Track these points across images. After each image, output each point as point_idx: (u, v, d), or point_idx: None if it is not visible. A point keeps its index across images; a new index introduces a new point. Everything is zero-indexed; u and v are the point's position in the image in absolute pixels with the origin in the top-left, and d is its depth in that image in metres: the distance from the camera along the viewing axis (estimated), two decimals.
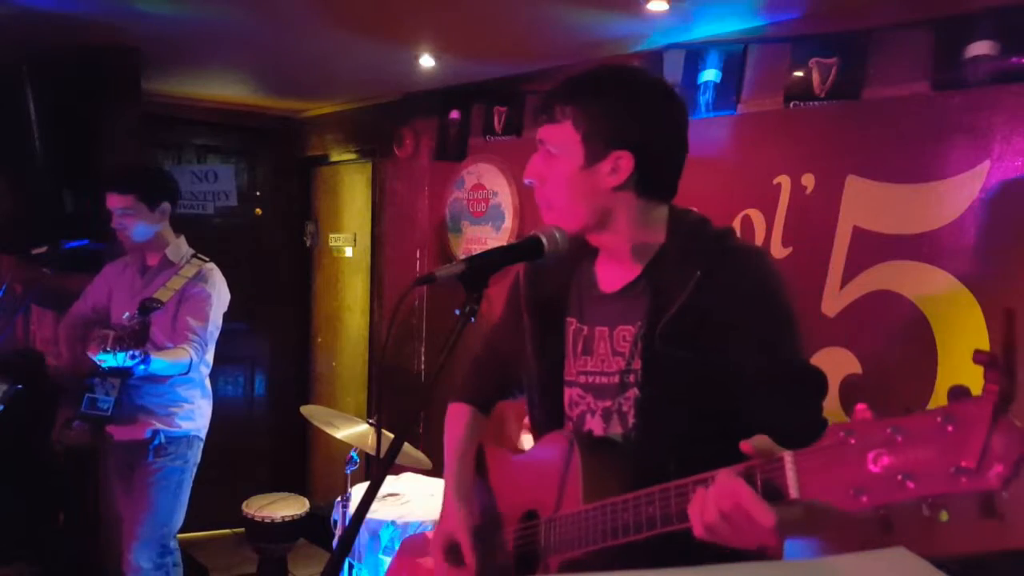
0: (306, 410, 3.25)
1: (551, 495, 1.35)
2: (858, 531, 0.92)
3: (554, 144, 1.32)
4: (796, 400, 1.21)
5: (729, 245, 1.34)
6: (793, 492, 0.90)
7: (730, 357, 1.23)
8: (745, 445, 0.96)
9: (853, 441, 0.84)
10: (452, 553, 1.50)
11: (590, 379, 1.40)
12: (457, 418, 1.67)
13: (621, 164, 1.30)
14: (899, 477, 0.78)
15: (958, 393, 0.77)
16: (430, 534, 2.88)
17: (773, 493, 0.92)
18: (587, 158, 1.30)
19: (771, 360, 1.23)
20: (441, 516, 1.57)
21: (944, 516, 0.77)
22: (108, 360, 2.48)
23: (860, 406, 0.85)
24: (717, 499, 0.96)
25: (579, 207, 1.33)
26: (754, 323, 1.24)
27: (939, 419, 0.77)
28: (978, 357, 0.75)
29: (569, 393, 1.44)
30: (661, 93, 1.36)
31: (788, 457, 0.91)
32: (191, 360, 2.75)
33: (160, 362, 2.63)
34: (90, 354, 2.51)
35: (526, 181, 1.40)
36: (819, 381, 1.24)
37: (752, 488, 0.94)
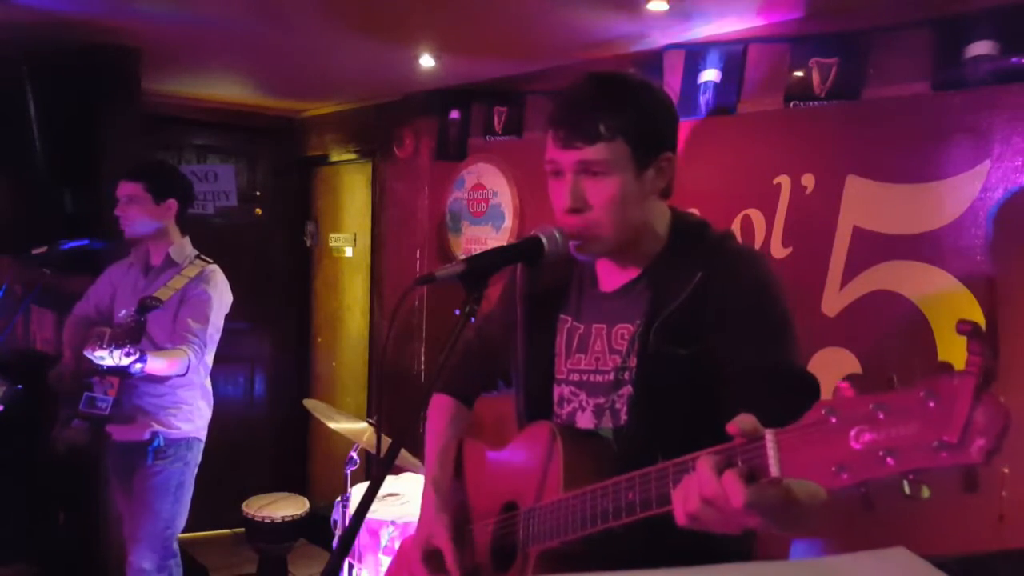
0: (309, 403, 3.25)
1: (531, 486, 1.34)
2: (840, 509, 0.92)
3: (603, 163, 1.27)
4: (787, 405, 1.21)
5: (729, 248, 1.35)
6: (774, 471, 0.89)
7: (724, 359, 1.24)
8: (731, 427, 0.95)
9: (834, 419, 0.83)
10: (433, 560, 1.48)
11: (584, 377, 1.41)
12: (440, 412, 1.66)
13: (664, 165, 1.33)
14: (880, 453, 0.78)
15: (941, 368, 0.76)
16: None
17: (754, 473, 0.92)
18: (637, 168, 1.29)
19: (764, 364, 1.23)
20: (421, 519, 1.55)
21: (926, 492, 0.76)
22: (104, 358, 2.48)
23: (842, 384, 0.84)
24: (700, 486, 0.95)
25: (632, 219, 1.31)
26: (750, 326, 1.25)
27: (921, 394, 0.76)
28: (961, 327, 0.74)
29: (559, 390, 1.44)
30: (665, 94, 1.39)
31: (769, 436, 0.90)
32: (189, 362, 2.74)
33: (157, 362, 2.63)
34: (87, 352, 2.51)
35: (565, 208, 1.30)
36: (812, 387, 1.25)
37: (732, 469, 0.93)
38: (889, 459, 0.77)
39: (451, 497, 1.55)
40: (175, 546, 2.91)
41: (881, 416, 0.79)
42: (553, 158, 1.31)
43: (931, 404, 0.75)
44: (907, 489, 0.76)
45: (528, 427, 1.44)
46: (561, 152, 1.29)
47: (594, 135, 1.26)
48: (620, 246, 1.34)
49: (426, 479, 1.59)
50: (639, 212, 1.32)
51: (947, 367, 0.76)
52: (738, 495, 0.91)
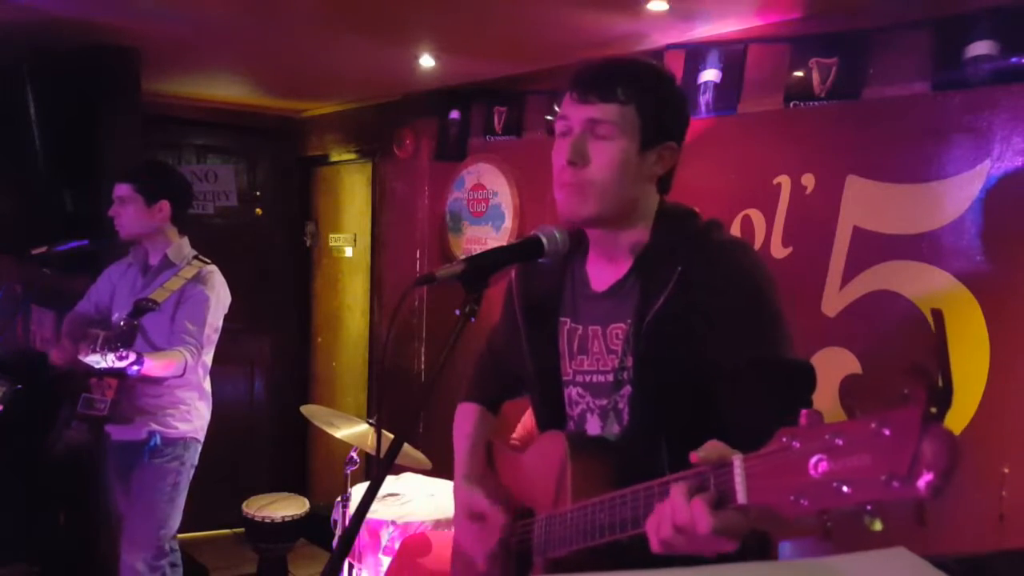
0: (306, 410, 3.25)
1: (545, 494, 1.36)
2: (800, 536, 0.93)
3: (611, 123, 1.28)
4: (781, 397, 1.21)
5: (712, 239, 1.34)
6: (741, 498, 0.89)
7: (715, 352, 1.24)
8: (693, 456, 0.96)
9: (797, 445, 0.83)
10: (479, 517, 1.51)
11: (588, 378, 1.41)
12: (465, 417, 1.69)
13: (666, 155, 1.35)
14: (834, 483, 0.78)
15: (900, 399, 0.76)
16: (430, 534, 2.89)
17: (724, 499, 0.92)
18: (642, 143, 1.31)
19: (754, 356, 1.23)
20: (456, 501, 1.59)
21: (877, 525, 0.76)
22: (99, 362, 2.48)
23: (804, 411, 0.85)
24: (672, 513, 0.96)
25: (624, 191, 1.32)
26: (737, 318, 1.24)
27: (873, 425, 0.76)
28: (904, 368, 0.75)
29: (568, 392, 1.45)
30: (683, 92, 1.41)
31: (737, 462, 0.91)
32: (186, 363, 2.74)
33: (154, 364, 2.63)
34: (81, 356, 2.51)
35: (565, 161, 1.30)
36: (806, 375, 1.24)
37: (705, 494, 0.94)
38: (845, 488, 0.78)
39: (484, 483, 1.57)
40: (168, 546, 2.90)
41: (839, 444, 0.79)
42: (565, 113, 1.33)
43: (885, 432, 0.76)
44: (866, 520, 0.77)
45: (543, 435, 1.45)
46: (574, 107, 1.31)
47: (610, 95, 1.28)
48: (606, 218, 1.33)
49: (457, 476, 1.62)
50: (632, 188, 1.32)
51: (904, 398, 0.76)
52: (704, 522, 0.92)
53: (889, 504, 0.75)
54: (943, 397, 0.75)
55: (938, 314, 1.67)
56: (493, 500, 1.48)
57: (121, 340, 2.54)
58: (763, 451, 0.88)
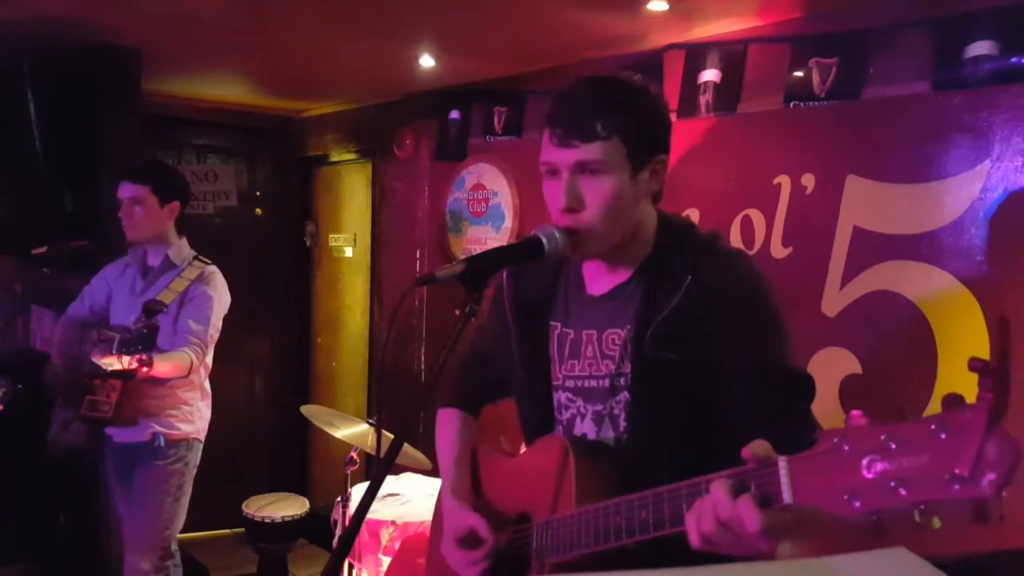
0: (306, 410, 3.25)
1: (544, 499, 1.34)
2: (849, 535, 0.93)
3: (599, 161, 1.26)
4: (782, 403, 1.22)
5: (716, 250, 1.35)
6: (787, 497, 0.90)
7: (717, 361, 1.24)
8: (746, 452, 0.96)
9: (847, 447, 0.84)
10: (467, 541, 1.47)
11: (579, 383, 1.41)
12: (447, 423, 1.67)
13: (658, 168, 1.33)
14: (892, 483, 0.79)
15: (952, 401, 0.77)
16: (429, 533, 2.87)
17: (767, 499, 0.93)
18: (633, 168, 1.29)
19: (756, 363, 1.23)
20: (444, 518, 1.56)
21: (936, 523, 0.77)
22: (113, 364, 2.47)
23: (855, 413, 0.85)
24: (715, 508, 0.96)
25: (625, 220, 1.32)
26: (739, 327, 1.25)
27: (933, 427, 0.77)
28: (973, 364, 0.75)
29: (558, 397, 1.44)
30: (660, 96, 1.39)
31: (782, 463, 0.91)
32: (191, 363, 2.74)
33: (161, 365, 2.63)
34: (94, 358, 2.50)
35: (561, 207, 1.29)
36: (806, 385, 1.25)
37: (747, 494, 0.94)
38: (901, 489, 0.78)
39: (471, 502, 1.55)
40: (173, 547, 2.91)
41: (893, 446, 0.80)
42: (549, 159, 1.31)
43: (943, 436, 0.76)
44: (917, 519, 0.78)
45: (540, 440, 1.44)
46: (558, 151, 1.29)
47: (591, 133, 1.26)
48: (612, 248, 1.34)
49: (443, 487, 1.59)
50: (632, 214, 1.32)
51: (958, 400, 0.77)
52: (753, 520, 0.92)
53: (947, 504, 0.76)
54: (1003, 402, 0.76)
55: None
56: (486, 521, 1.44)
57: (141, 342, 2.52)
58: (811, 452, 0.89)
